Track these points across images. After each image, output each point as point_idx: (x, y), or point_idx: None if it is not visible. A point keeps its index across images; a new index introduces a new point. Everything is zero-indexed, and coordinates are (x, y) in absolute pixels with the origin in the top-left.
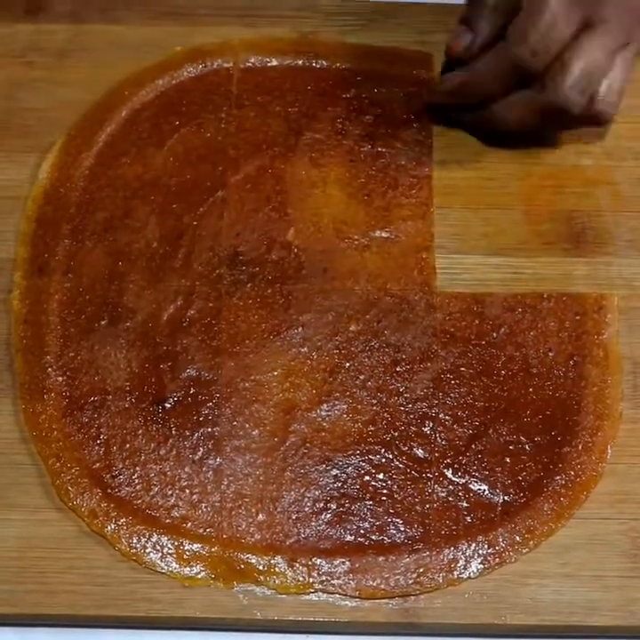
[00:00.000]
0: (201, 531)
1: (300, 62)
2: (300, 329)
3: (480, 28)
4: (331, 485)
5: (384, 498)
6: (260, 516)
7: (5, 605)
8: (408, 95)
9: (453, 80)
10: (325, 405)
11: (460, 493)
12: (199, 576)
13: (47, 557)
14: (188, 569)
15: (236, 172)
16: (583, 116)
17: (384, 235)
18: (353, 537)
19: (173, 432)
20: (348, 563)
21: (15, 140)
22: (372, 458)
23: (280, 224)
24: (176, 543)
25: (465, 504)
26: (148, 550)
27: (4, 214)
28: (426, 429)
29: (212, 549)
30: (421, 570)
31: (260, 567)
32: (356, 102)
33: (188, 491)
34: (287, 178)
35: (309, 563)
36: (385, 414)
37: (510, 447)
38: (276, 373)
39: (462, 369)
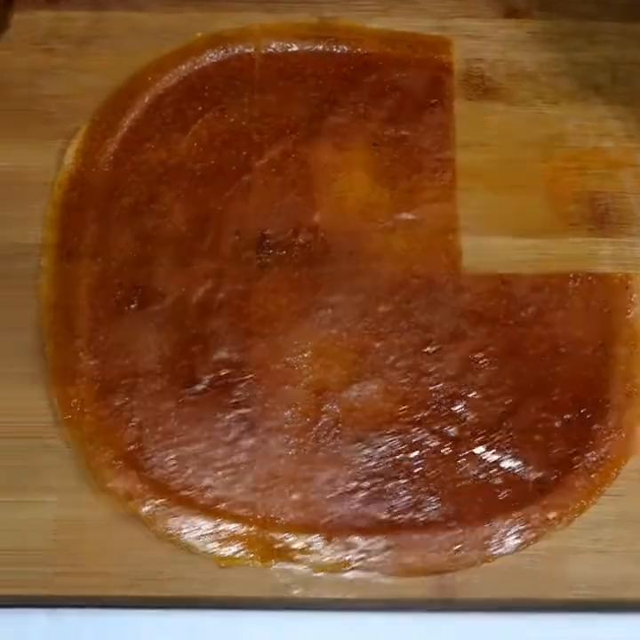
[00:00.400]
0: (236, 511)
1: (321, 47)
2: (329, 310)
3: None
4: (364, 464)
5: (417, 476)
6: (295, 495)
7: (40, 587)
8: (429, 79)
9: None
10: (356, 386)
11: (492, 471)
12: (235, 556)
13: (82, 540)
14: (223, 549)
15: (260, 157)
16: None
17: (409, 217)
18: (388, 515)
19: (206, 414)
20: (383, 540)
21: (38, 126)
22: (405, 437)
23: (306, 208)
24: (211, 524)
25: (498, 481)
26: (183, 531)
27: (31, 200)
28: (457, 408)
29: (248, 529)
30: (456, 547)
31: (297, 546)
32: (377, 86)
33: (221, 472)
34: (311, 162)
35: (346, 541)
36: (416, 394)
37: (540, 425)
38: (306, 355)
39: (491, 348)
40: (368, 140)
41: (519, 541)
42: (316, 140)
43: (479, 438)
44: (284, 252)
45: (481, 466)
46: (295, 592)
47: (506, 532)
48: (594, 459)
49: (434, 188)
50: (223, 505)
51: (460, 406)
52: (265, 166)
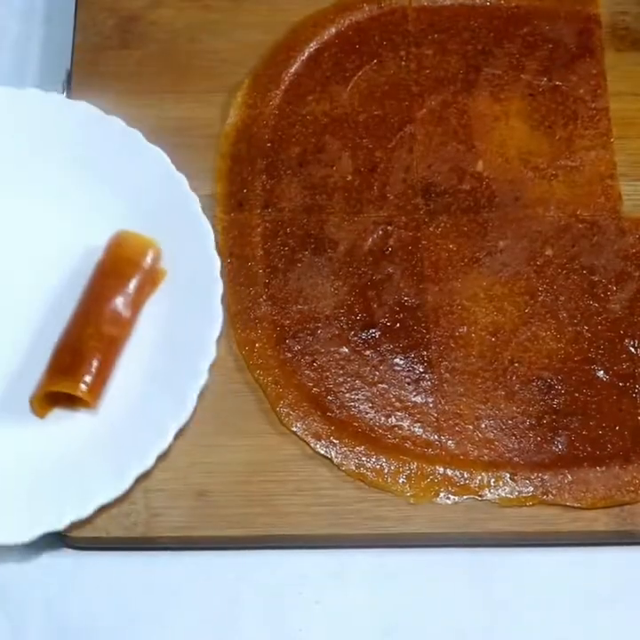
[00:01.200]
0: (422, 449)
1: (471, 1)
2: (498, 255)
3: None
4: (543, 402)
5: (594, 412)
6: (478, 433)
7: (238, 527)
8: (579, 31)
9: None
10: (529, 326)
11: None
12: (423, 493)
13: (274, 480)
14: (412, 486)
15: (420, 108)
16: None
17: (569, 164)
18: (568, 450)
19: (387, 356)
20: (568, 474)
21: (201, 81)
22: (579, 374)
23: (468, 156)
24: (398, 462)
25: None
26: (371, 470)
27: (199, 152)
28: (628, 346)
29: (434, 467)
30: (637, 480)
31: (483, 482)
32: (530, 38)
33: (405, 411)
34: (470, 112)
35: (531, 476)
36: (587, 334)
37: None
38: (479, 297)
39: None
40: (524, 91)
41: None
42: (473, 91)
43: None
44: (451, 199)
45: None
46: (482, 527)
47: None
48: None
49: (590, 135)
50: (409, 443)
51: (630, 344)
52: (426, 116)
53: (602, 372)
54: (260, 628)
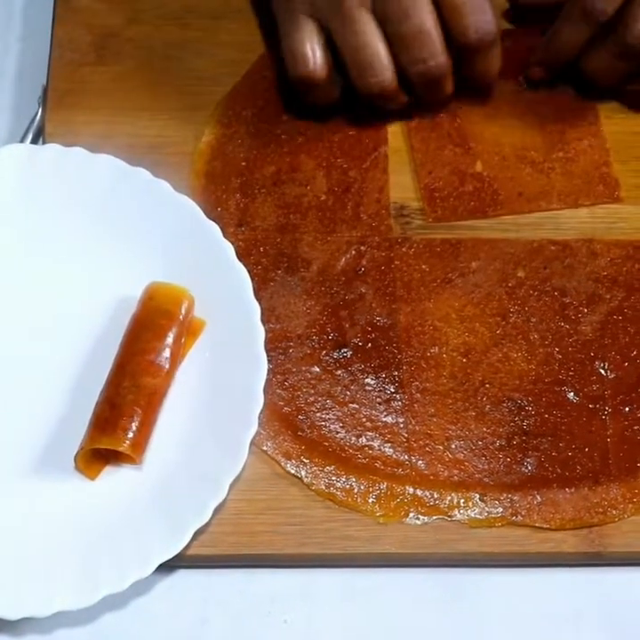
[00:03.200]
0: (391, 469)
1: None
2: (470, 276)
3: None
4: (513, 422)
5: (564, 433)
6: (448, 453)
7: (206, 546)
8: None
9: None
10: (501, 348)
11: (637, 427)
12: (392, 513)
13: (243, 499)
14: (380, 506)
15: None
16: None
17: (564, 155)
18: (538, 471)
19: (358, 376)
20: (537, 496)
21: (176, 98)
22: (550, 396)
23: (466, 158)
24: (368, 482)
25: None
26: (341, 490)
27: (174, 169)
28: (598, 368)
29: (404, 487)
30: (605, 501)
31: (452, 502)
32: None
33: (376, 431)
34: (461, 114)
35: (501, 497)
36: (557, 355)
37: None
38: (451, 318)
39: (627, 311)
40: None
41: None
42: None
43: (621, 396)
44: (456, 202)
45: (625, 423)
46: (451, 548)
47: None
48: None
49: (580, 125)
50: (379, 463)
51: (600, 366)
52: (420, 124)
53: (572, 393)
54: None
